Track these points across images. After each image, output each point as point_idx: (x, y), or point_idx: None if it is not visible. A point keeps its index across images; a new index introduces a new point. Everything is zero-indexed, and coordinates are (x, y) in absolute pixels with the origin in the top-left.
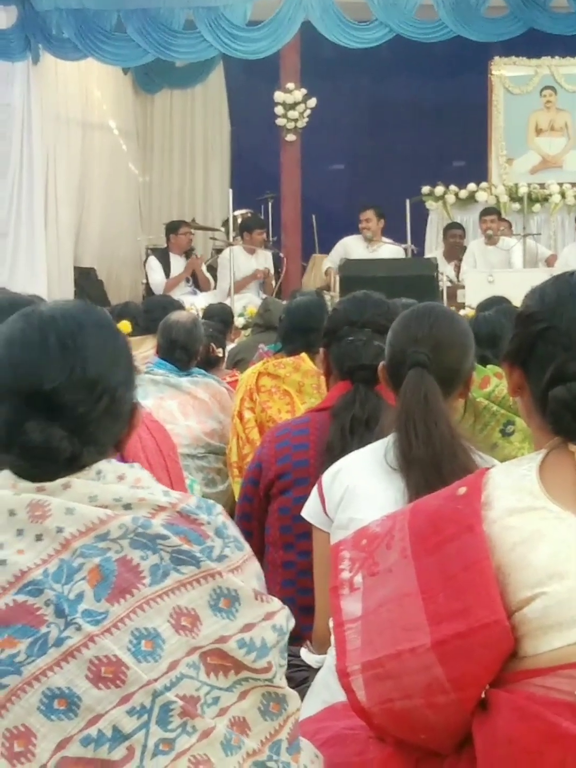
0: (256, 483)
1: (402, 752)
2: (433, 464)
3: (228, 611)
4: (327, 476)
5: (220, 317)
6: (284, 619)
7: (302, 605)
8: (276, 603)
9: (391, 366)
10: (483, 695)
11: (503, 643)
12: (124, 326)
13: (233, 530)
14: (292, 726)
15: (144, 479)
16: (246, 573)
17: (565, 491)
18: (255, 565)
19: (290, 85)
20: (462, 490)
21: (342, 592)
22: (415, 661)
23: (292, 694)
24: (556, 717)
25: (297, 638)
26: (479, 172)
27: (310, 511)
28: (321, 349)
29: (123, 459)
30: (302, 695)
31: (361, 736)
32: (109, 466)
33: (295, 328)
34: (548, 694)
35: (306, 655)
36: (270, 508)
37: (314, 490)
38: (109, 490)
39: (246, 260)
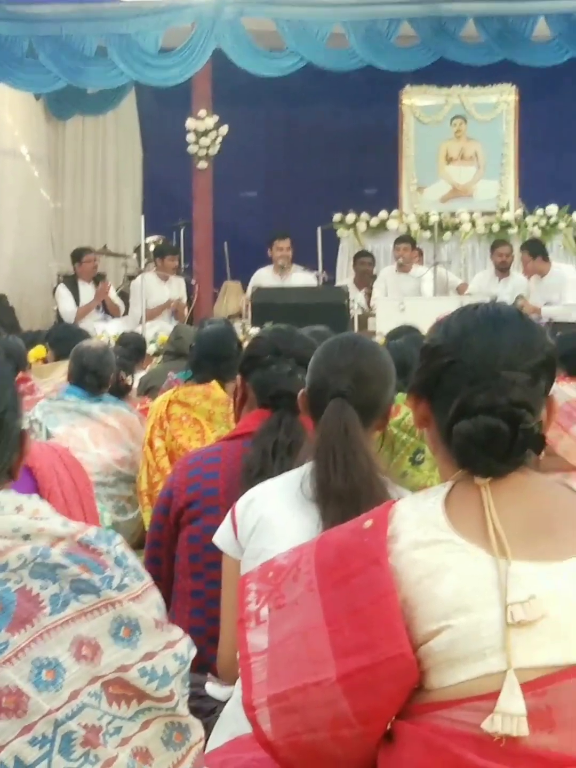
0: (166, 511)
1: None
2: (351, 497)
3: (129, 640)
4: (241, 504)
5: (134, 345)
6: (185, 647)
7: (211, 635)
8: (177, 631)
9: (312, 395)
10: (388, 727)
11: (408, 676)
12: (39, 352)
13: (133, 560)
14: (196, 756)
15: (42, 510)
16: (146, 602)
17: (471, 524)
18: (155, 594)
19: (202, 113)
20: (368, 523)
21: (248, 624)
22: (321, 694)
23: (195, 723)
24: (461, 749)
25: (205, 668)
26: (390, 200)
27: (221, 538)
28: (238, 376)
29: (39, 493)
30: (211, 727)
31: None
32: (6, 496)
33: (206, 356)
34: (453, 727)
35: (211, 689)
36: (180, 536)
37: (227, 517)
38: (7, 521)
39: (158, 287)
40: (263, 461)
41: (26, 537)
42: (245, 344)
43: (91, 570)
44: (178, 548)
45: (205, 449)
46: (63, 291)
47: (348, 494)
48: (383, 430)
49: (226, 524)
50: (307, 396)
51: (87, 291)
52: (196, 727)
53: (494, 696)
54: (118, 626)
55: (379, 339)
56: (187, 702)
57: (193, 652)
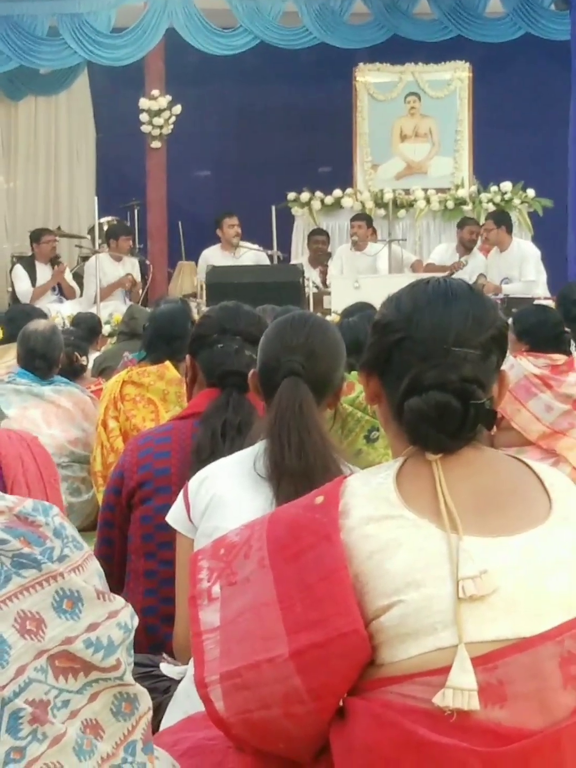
0: (118, 492)
1: (261, 762)
2: (305, 474)
3: (72, 612)
4: (193, 482)
5: (87, 325)
6: (128, 616)
7: (164, 614)
8: (119, 601)
9: (264, 374)
10: (341, 704)
11: (360, 652)
12: None
13: (71, 530)
14: (146, 725)
15: None
16: (87, 572)
17: (422, 499)
18: (95, 564)
19: (155, 92)
20: (319, 499)
21: (200, 602)
22: (273, 671)
23: (143, 691)
24: (412, 725)
25: (159, 647)
26: (345, 178)
27: (174, 516)
28: (187, 356)
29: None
30: (165, 706)
31: (219, 747)
32: None
33: (159, 336)
34: (405, 702)
35: (166, 668)
36: (132, 516)
37: (180, 496)
38: None
39: (112, 268)
40: (213, 442)
41: None
42: None
43: (31, 543)
44: (131, 529)
45: (156, 429)
46: (19, 271)
47: (302, 472)
48: (335, 407)
49: (178, 503)
50: (258, 375)
51: (44, 272)
52: (144, 695)
53: (445, 671)
54: (61, 599)
55: (334, 317)
56: (142, 682)
57: (136, 621)
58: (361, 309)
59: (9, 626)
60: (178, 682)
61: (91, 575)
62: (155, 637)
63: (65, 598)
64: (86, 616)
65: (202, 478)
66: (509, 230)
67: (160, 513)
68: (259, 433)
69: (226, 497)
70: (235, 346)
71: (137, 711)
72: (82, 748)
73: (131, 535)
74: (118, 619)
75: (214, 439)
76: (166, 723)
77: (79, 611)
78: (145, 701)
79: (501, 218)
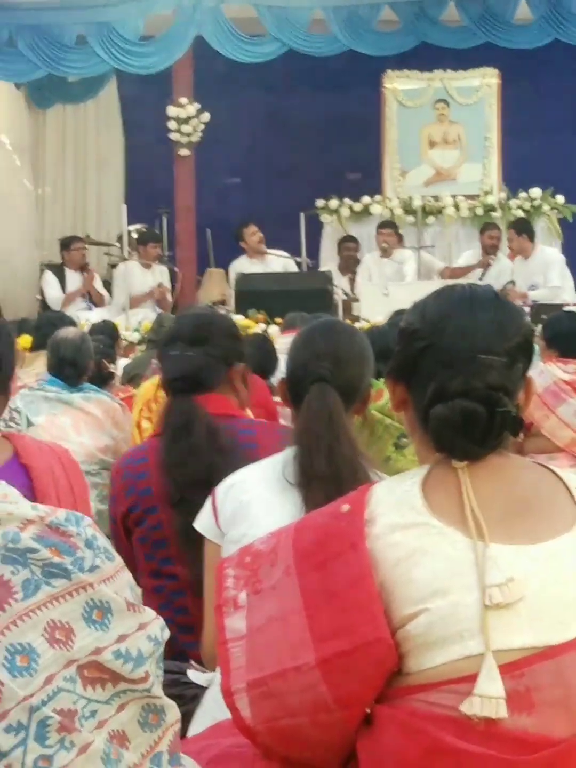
0: (114, 520)
1: None
2: (334, 481)
3: (101, 623)
4: (221, 489)
5: (105, 333)
6: (158, 629)
7: (181, 624)
8: (149, 613)
9: (292, 381)
10: (367, 712)
11: (387, 660)
12: (25, 341)
13: (103, 541)
14: (172, 737)
15: (11, 495)
16: (118, 583)
17: (448, 507)
18: (127, 575)
19: (183, 100)
20: (345, 507)
21: (226, 609)
22: (300, 679)
23: (171, 704)
24: (439, 732)
25: (182, 656)
26: (374, 185)
27: (202, 523)
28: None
29: (33, 491)
30: (192, 713)
31: (246, 754)
32: None
33: None
34: (431, 710)
35: (194, 675)
36: (131, 540)
37: (207, 502)
38: None
39: (141, 275)
40: (171, 449)
41: None
42: None
43: (62, 553)
44: (135, 552)
45: (133, 450)
46: (50, 278)
47: (331, 478)
48: (362, 414)
49: (206, 509)
50: (286, 383)
51: (73, 279)
52: (172, 708)
53: (472, 678)
54: (91, 609)
55: (363, 324)
56: (169, 689)
57: (167, 633)
58: (401, 315)
59: (38, 635)
60: (206, 688)
61: (122, 587)
62: (177, 647)
63: (95, 608)
64: (116, 627)
65: (229, 484)
66: (531, 238)
67: (156, 531)
68: (288, 439)
69: (254, 504)
70: (177, 351)
71: (164, 722)
72: (110, 757)
73: (136, 557)
74: (148, 631)
75: (171, 449)
76: (194, 730)
77: (109, 622)
78: (173, 713)
79: (522, 226)
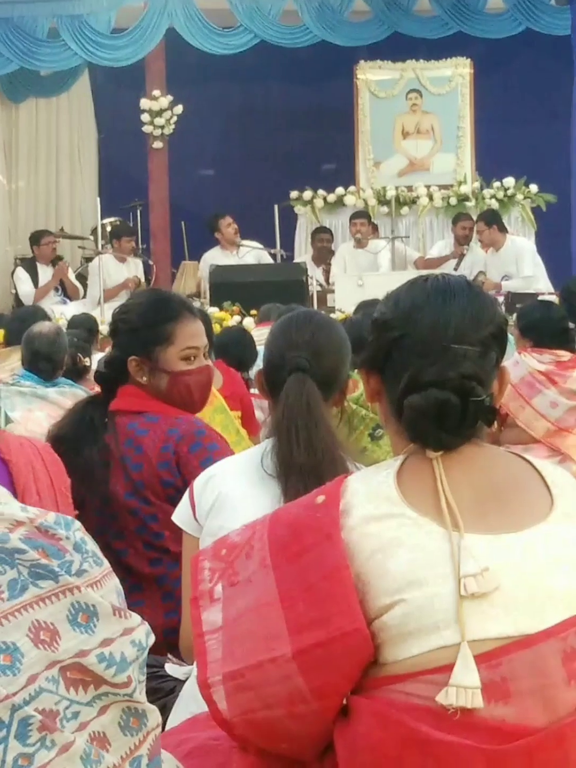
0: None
1: (265, 762)
2: (314, 471)
3: (86, 626)
4: (199, 481)
5: (85, 326)
6: (143, 634)
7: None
8: (135, 619)
9: (269, 371)
10: (344, 703)
11: (363, 651)
12: None
13: (91, 545)
14: (153, 741)
15: (1, 495)
16: (105, 588)
17: (423, 497)
18: (114, 580)
19: (156, 92)
20: (320, 499)
21: (202, 602)
22: (276, 671)
23: (152, 709)
24: (416, 723)
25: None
26: (347, 176)
27: (180, 516)
28: None
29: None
30: (170, 706)
31: (223, 747)
32: None
33: None
34: (408, 700)
35: (171, 668)
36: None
37: (185, 495)
38: None
39: (116, 268)
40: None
41: None
42: None
43: (50, 555)
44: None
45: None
46: (21, 274)
47: (310, 469)
48: (340, 405)
49: (184, 502)
50: (264, 373)
51: (45, 274)
52: (153, 712)
53: (449, 669)
54: (76, 612)
55: (338, 315)
56: (147, 682)
57: (151, 639)
58: (371, 306)
59: (23, 635)
60: (184, 682)
61: (108, 592)
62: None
63: (81, 611)
64: (101, 630)
65: (207, 476)
66: (501, 228)
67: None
68: (266, 430)
69: (232, 496)
70: (109, 347)
71: (145, 727)
72: (90, 757)
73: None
74: (133, 636)
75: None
76: (171, 723)
77: (94, 626)
78: (154, 718)
79: (491, 218)
